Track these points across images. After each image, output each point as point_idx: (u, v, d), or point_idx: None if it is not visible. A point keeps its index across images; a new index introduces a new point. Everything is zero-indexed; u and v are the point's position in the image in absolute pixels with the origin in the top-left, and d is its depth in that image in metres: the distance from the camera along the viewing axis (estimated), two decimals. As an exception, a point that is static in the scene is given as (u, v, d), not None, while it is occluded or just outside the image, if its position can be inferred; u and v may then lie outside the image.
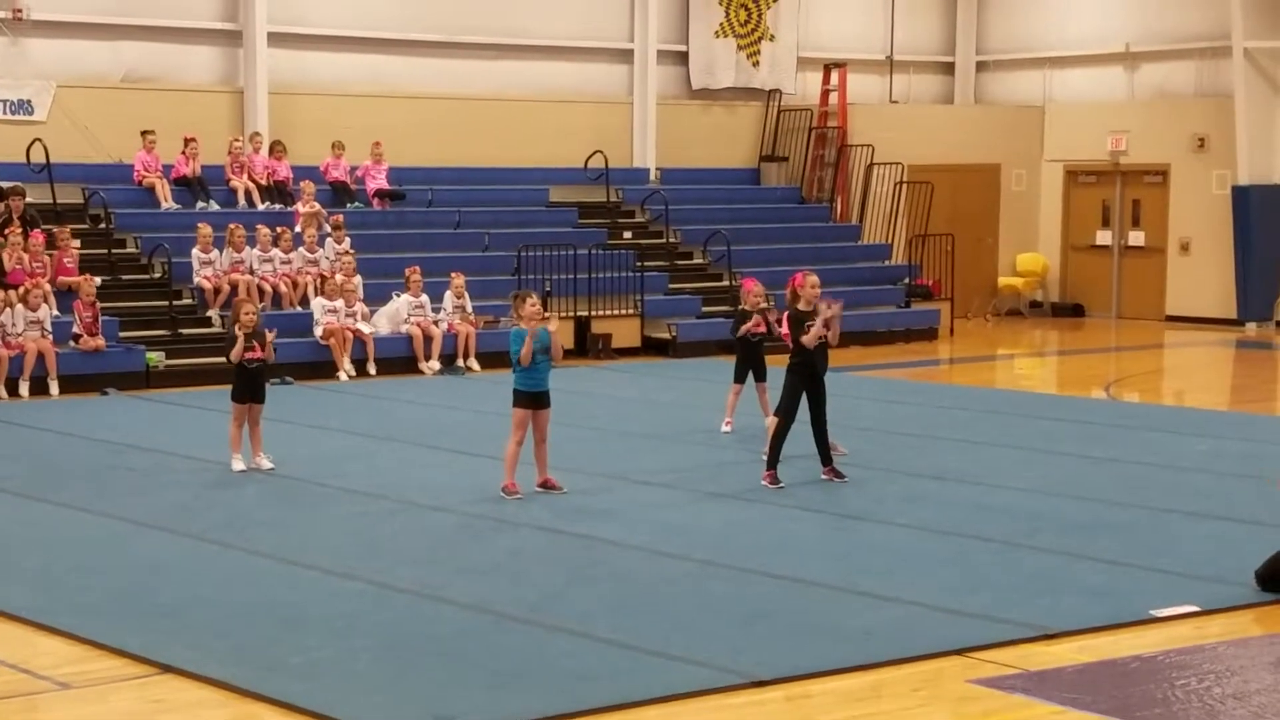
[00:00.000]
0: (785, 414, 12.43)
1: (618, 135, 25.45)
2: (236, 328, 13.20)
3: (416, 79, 24.12)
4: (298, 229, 20.85)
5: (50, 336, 18.03)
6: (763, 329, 14.84)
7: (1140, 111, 27.16)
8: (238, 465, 13.15)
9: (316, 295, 19.84)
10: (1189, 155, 26.56)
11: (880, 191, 26.15)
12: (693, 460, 13.79)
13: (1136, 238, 27.46)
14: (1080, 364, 22.99)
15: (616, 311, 22.04)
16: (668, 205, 24.43)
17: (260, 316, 13.77)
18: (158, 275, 20.20)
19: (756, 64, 26.78)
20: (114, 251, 20.31)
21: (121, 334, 18.81)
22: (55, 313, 18.35)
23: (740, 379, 14.98)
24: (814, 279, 12.47)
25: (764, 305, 15.10)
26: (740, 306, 15.24)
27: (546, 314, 12.30)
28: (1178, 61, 26.94)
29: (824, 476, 12.58)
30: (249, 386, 13.17)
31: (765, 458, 12.71)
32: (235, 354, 13.14)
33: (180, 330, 19.40)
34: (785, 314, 12.60)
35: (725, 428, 15.00)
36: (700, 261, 24.30)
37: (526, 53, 24.97)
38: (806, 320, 12.27)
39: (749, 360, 14.87)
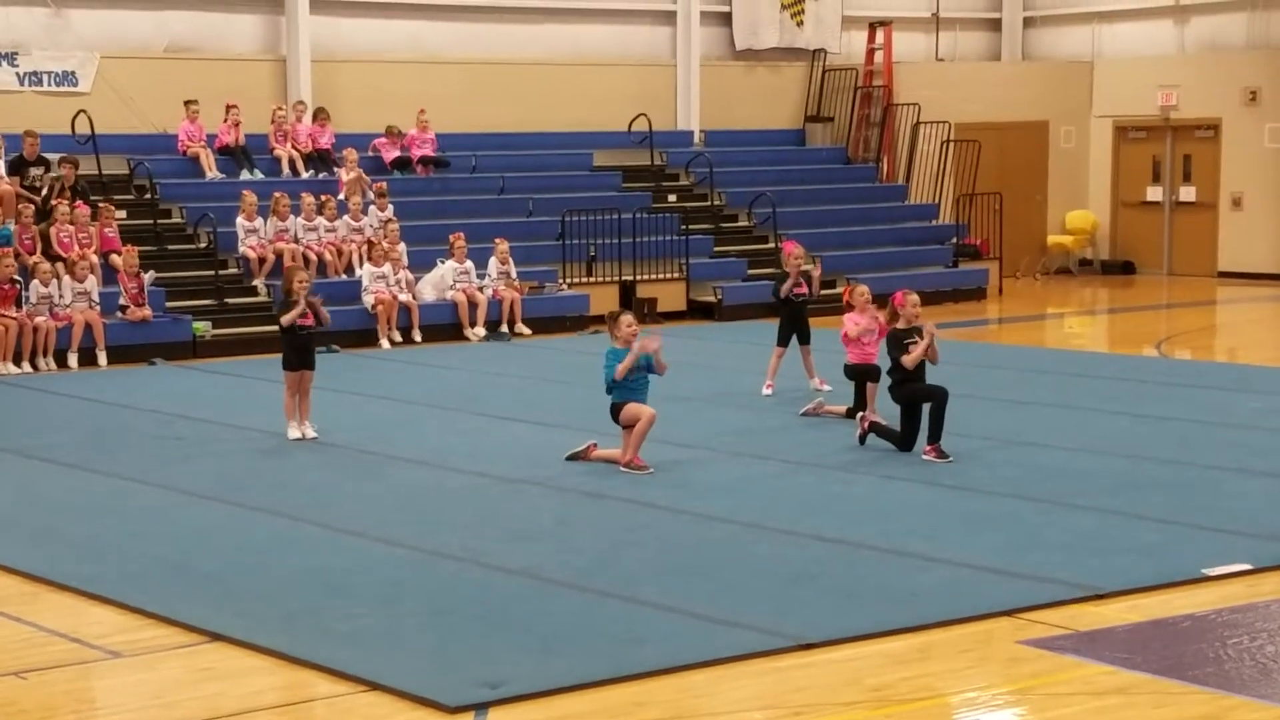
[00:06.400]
0: (904, 442, 12.19)
1: (661, 98, 25.32)
2: (296, 287, 13.04)
3: (458, 44, 24.04)
4: (341, 196, 20.87)
5: (98, 308, 18.11)
6: (805, 290, 14.84)
7: (1190, 65, 26.82)
8: (294, 433, 13.14)
9: (364, 263, 19.85)
10: (1240, 109, 26.23)
11: (927, 150, 25.93)
12: (738, 424, 13.74)
13: (1188, 193, 27.16)
14: (1131, 321, 22.78)
15: (661, 275, 21.97)
16: (712, 168, 24.31)
17: (311, 284, 13.72)
18: (203, 245, 20.26)
19: (801, 23, 26.56)
20: (159, 222, 20.37)
21: (168, 304, 18.89)
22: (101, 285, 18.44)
23: (783, 342, 14.92)
24: (914, 298, 12.21)
25: (805, 266, 15.05)
26: (783, 269, 15.18)
27: (653, 341, 11.94)
28: (1228, 14, 26.59)
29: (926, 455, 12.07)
30: (300, 355, 13.17)
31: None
32: (288, 318, 13.06)
33: (226, 300, 19.47)
34: (887, 333, 12.30)
35: (766, 390, 14.93)
36: (746, 224, 24.19)
37: (569, 16, 24.86)
38: (907, 339, 12.06)
39: (793, 323, 14.82)
